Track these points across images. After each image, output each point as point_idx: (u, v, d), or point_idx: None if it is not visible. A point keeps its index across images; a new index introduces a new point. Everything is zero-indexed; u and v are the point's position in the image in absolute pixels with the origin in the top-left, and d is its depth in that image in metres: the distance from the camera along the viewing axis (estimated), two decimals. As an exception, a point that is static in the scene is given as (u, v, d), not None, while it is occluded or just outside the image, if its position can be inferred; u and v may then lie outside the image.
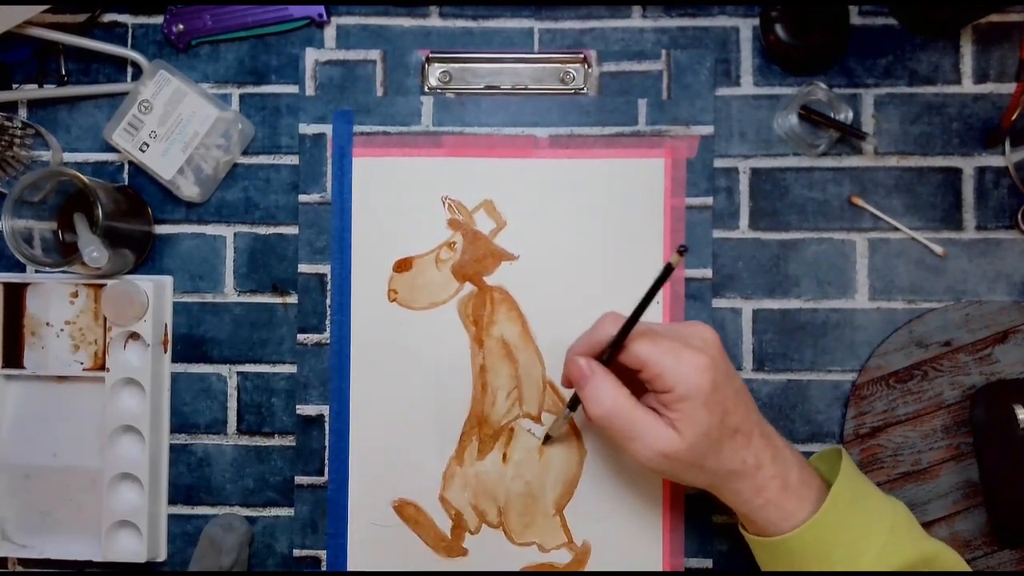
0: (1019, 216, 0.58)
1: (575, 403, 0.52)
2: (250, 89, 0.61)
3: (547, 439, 0.58)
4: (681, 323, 0.53)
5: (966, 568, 0.49)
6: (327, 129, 0.59)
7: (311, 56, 0.60)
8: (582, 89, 0.59)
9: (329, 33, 0.60)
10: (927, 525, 0.57)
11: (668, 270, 0.45)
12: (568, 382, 0.51)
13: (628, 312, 0.48)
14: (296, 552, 0.59)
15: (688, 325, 0.50)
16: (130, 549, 0.58)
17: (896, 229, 0.59)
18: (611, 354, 0.48)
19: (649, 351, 0.47)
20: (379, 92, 0.60)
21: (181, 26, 0.60)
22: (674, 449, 0.47)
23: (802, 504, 0.48)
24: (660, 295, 0.58)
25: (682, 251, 0.43)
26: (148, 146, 0.58)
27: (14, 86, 0.61)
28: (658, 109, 0.59)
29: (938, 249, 0.58)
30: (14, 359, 0.59)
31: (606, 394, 0.48)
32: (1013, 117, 0.57)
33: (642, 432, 0.47)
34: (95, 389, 0.59)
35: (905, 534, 0.48)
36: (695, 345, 0.47)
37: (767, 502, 0.48)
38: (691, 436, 0.46)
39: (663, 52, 0.59)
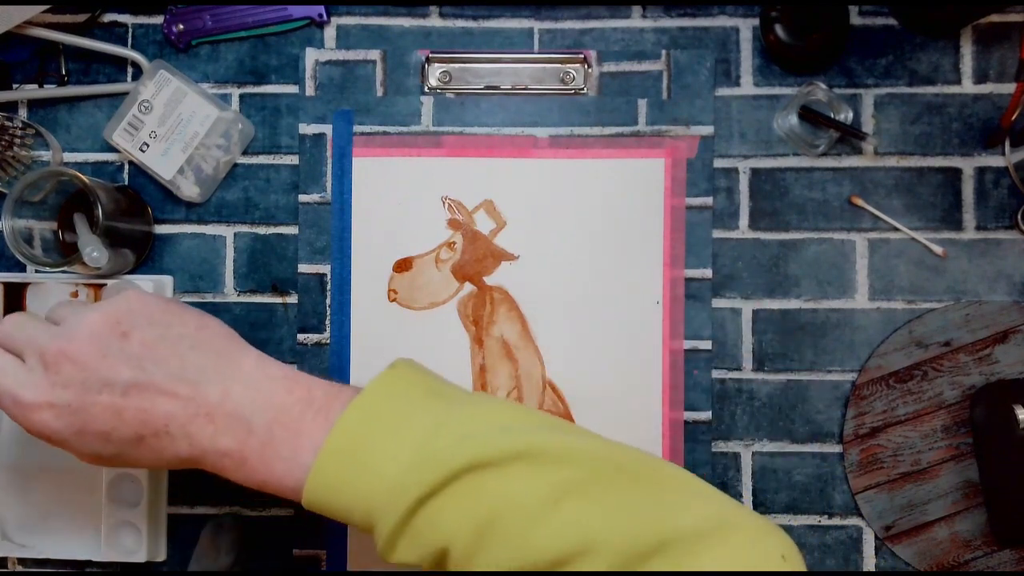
0: (1019, 216, 0.58)
1: None
2: (250, 89, 0.61)
3: None
4: None
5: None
6: (327, 129, 0.59)
7: (311, 56, 0.60)
8: (582, 89, 0.59)
9: (329, 33, 0.61)
10: (927, 525, 0.57)
11: None
12: None
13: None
14: (296, 552, 0.59)
15: None
16: (130, 549, 0.58)
17: (896, 229, 0.59)
18: None
19: None
20: (379, 92, 0.60)
21: (181, 26, 0.60)
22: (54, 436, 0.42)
23: (297, 455, 0.40)
24: (660, 296, 0.58)
25: None
26: (148, 146, 0.58)
27: (14, 86, 0.61)
28: (658, 109, 0.59)
29: (938, 249, 0.58)
30: (14, 359, 0.59)
31: None
32: (1013, 117, 0.57)
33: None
34: (95, 389, 0.59)
35: (430, 449, 0.39)
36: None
37: (248, 478, 0.41)
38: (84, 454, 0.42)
39: (663, 52, 0.59)
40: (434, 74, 0.59)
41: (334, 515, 0.41)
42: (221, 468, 0.42)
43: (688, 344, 0.58)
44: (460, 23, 0.60)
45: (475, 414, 0.41)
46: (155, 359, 0.42)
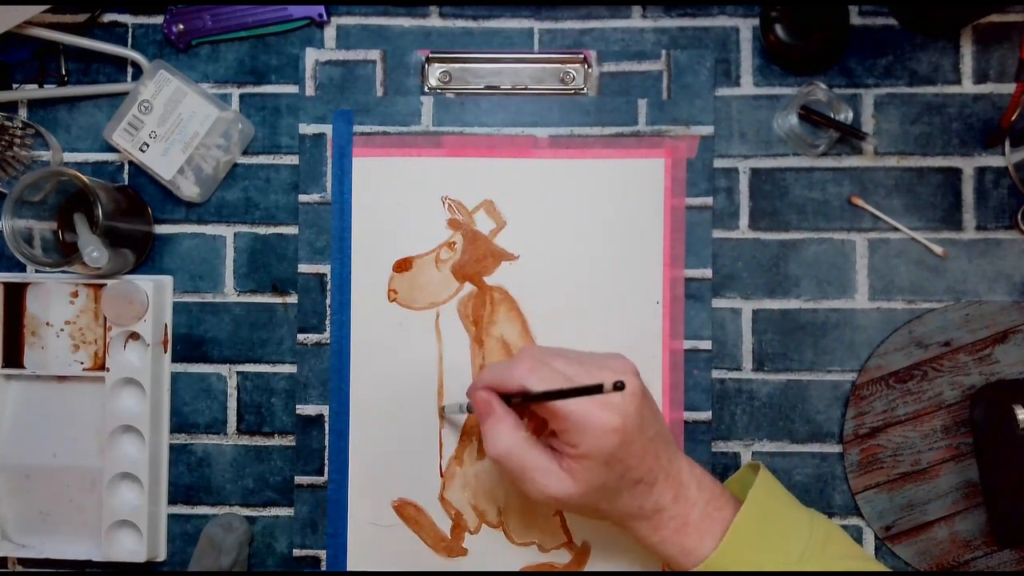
0: (1019, 216, 0.58)
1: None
2: (250, 89, 0.61)
3: (442, 411, 0.58)
4: (605, 363, 0.49)
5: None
6: (327, 129, 0.59)
7: (311, 56, 0.60)
8: (582, 89, 0.59)
9: (329, 33, 0.61)
10: (927, 525, 0.57)
11: (596, 389, 0.42)
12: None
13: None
14: (296, 552, 0.59)
15: (611, 371, 0.48)
16: (130, 549, 0.58)
17: (896, 229, 0.59)
18: (520, 403, 0.48)
19: (558, 407, 0.46)
20: (379, 92, 0.60)
21: (181, 26, 0.60)
22: (566, 495, 0.47)
23: (703, 539, 0.48)
24: (660, 296, 0.58)
25: (618, 386, 0.41)
26: (148, 146, 0.58)
27: (14, 86, 0.61)
28: (658, 109, 0.59)
29: (938, 249, 0.58)
30: (14, 359, 0.59)
31: (503, 436, 0.48)
32: (1013, 117, 0.57)
33: (534, 476, 0.47)
34: (95, 389, 0.59)
35: (817, 557, 0.47)
36: (611, 402, 0.46)
37: (664, 540, 0.48)
38: (585, 487, 0.47)
39: (663, 52, 0.59)
40: (434, 74, 0.59)
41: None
42: (656, 526, 0.49)
43: (688, 344, 0.58)
44: (460, 23, 0.60)
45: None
46: None
